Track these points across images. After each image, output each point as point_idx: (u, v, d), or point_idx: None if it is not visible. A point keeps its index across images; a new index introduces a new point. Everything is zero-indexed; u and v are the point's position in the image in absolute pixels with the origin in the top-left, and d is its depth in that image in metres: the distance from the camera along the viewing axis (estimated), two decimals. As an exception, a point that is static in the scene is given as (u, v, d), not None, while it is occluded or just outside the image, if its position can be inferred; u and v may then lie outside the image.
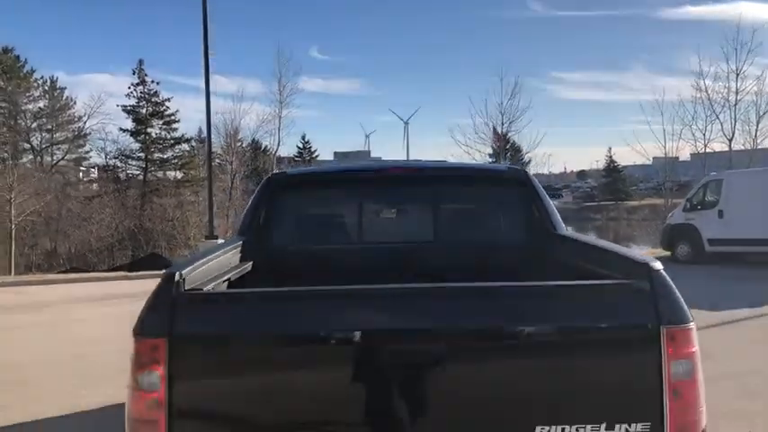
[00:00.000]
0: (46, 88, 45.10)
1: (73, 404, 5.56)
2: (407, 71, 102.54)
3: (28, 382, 6.27)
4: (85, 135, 44.34)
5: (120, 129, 41.29)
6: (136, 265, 19.42)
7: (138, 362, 2.13)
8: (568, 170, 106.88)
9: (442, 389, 2.15)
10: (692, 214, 16.61)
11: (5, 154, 41.53)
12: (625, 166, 67.23)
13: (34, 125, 43.97)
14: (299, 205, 3.92)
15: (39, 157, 42.44)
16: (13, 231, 19.85)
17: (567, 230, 3.62)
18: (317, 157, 70.28)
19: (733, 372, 6.37)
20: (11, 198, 19.52)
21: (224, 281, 2.84)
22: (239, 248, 3.29)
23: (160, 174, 41.41)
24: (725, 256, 15.68)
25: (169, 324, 2.12)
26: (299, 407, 2.15)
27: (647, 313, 2.18)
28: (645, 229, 38.14)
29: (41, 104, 44.40)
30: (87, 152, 45.53)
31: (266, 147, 52.38)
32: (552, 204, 3.73)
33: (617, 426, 2.12)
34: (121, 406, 5.21)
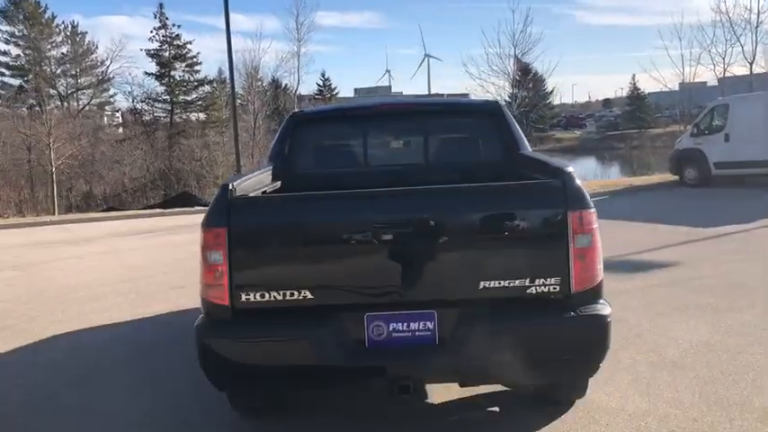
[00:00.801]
0: (68, 33, 45.83)
1: (135, 313, 6.70)
2: (425, 2, 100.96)
3: (98, 298, 7.40)
4: (109, 79, 45.31)
5: (145, 72, 42.23)
6: (169, 203, 20.58)
7: (206, 245, 3.10)
8: (594, 99, 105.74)
9: (421, 256, 3.10)
10: (699, 139, 17.14)
11: (33, 101, 42.65)
12: (649, 94, 66.66)
13: (59, 71, 44.93)
14: (316, 137, 4.82)
15: (65, 103, 43.55)
16: (54, 174, 21.09)
17: (528, 150, 4.48)
18: (336, 94, 70.52)
19: (698, 275, 7.30)
20: (50, 143, 20.74)
21: (261, 191, 3.78)
22: (270, 172, 4.24)
23: (185, 116, 42.49)
24: (731, 179, 16.35)
25: (227, 218, 3.08)
26: (323, 271, 3.13)
27: (559, 202, 3.07)
28: (666, 156, 38.51)
29: (64, 50, 45.26)
30: (112, 96, 46.59)
31: (286, 85, 52.93)
32: (519, 130, 4.57)
33: (537, 280, 3.05)
34: (171, 314, 6.40)
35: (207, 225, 3.13)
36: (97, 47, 46.00)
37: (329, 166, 4.74)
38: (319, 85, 69.12)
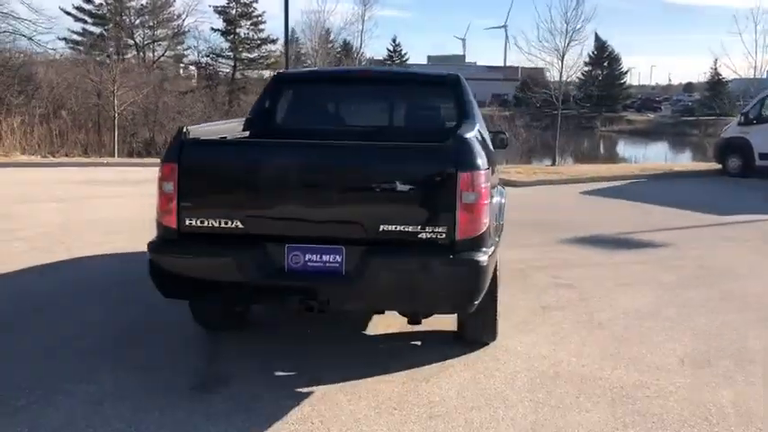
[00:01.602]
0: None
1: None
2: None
3: (111, 232, 8.24)
4: (184, 33, 46.78)
5: (212, 28, 43.53)
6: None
7: (162, 177, 3.77)
8: (677, 82, 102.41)
9: (334, 200, 3.66)
10: (746, 128, 16.87)
11: (112, 49, 44.48)
12: (732, 80, 64.14)
13: (137, 22, 46.63)
14: (294, 96, 5.40)
15: (141, 53, 45.28)
16: (116, 120, 22.43)
17: (473, 119, 4.94)
18: (406, 60, 70.78)
19: (680, 256, 7.63)
20: (114, 90, 22.08)
21: (221, 138, 4.40)
22: (242, 123, 4.89)
23: (247, 72, 43.71)
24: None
25: (178, 156, 3.73)
26: (252, 206, 3.75)
27: (450, 163, 3.59)
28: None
29: (144, 1, 46.89)
30: (186, 49, 48.11)
31: (356, 49, 53.40)
32: (471, 102, 5.04)
33: (428, 227, 3.59)
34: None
35: (163, 160, 3.79)
36: (175, 0, 47.44)
37: (299, 123, 5.32)
38: (389, 51, 69.54)
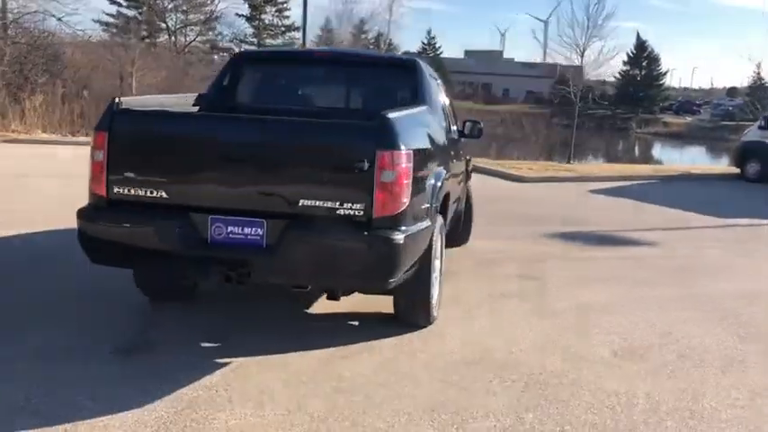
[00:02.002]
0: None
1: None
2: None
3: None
4: (216, 18, 47.27)
5: (237, 14, 43.98)
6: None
7: (93, 146, 3.85)
8: (721, 86, 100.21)
9: (257, 174, 3.70)
10: (766, 132, 16.56)
11: (144, 32, 45.09)
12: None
13: (170, 6, 47.23)
14: (251, 75, 5.44)
15: (173, 38, 45.87)
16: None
17: (425, 102, 4.94)
18: (440, 53, 70.59)
19: (663, 256, 7.55)
20: (132, 71, 22.52)
21: (176, 111, 4.45)
22: (194, 99, 4.96)
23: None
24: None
25: (108, 125, 3.81)
26: (177, 177, 3.81)
27: (370, 142, 3.60)
28: None
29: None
30: (218, 35, 48.59)
31: (391, 41, 53.38)
32: (425, 86, 5.00)
33: (346, 203, 3.61)
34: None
35: (95, 129, 3.88)
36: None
37: (253, 101, 5.35)
38: (424, 44, 69.43)
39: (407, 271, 4.02)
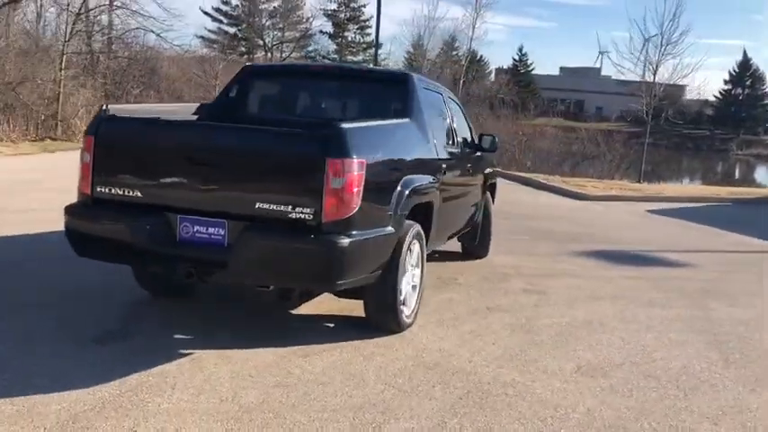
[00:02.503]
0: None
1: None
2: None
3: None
4: (311, 35, 48.81)
5: (320, 31, 45.45)
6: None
7: (83, 148, 4.23)
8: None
9: (220, 177, 3.95)
10: None
11: (243, 48, 47.04)
12: None
13: (268, 23, 49.13)
14: (255, 87, 5.69)
15: (269, 54, 47.59)
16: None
17: (412, 115, 5.06)
18: (532, 70, 69.85)
19: (688, 277, 7.34)
20: (215, 84, 23.66)
21: (153, 118, 4.77)
22: (195, 108, 5.29)
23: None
24: None
25: (95, 130, 4.18)
26: (151, 178, 4.11)
27: (320, 150, 3.78)
28: None
29: (276, 4, 49.31)
30: (312, 51, 50.06)
31: (482, 57, 53.56)
32: (414, 100, 5.09)
33: (298, 208, 3.80)
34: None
35: (85, 134, 4.26)
36: (304, 3, 49.57)
37: (253, 111, 5.64)
38: (515, 60, 68.92)
39: (368, 275, 4.18)
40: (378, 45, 18.77)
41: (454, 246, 7.44)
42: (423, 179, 4.82)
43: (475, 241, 7.30)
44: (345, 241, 3.81)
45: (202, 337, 4.38)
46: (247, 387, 3.67)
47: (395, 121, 4.84)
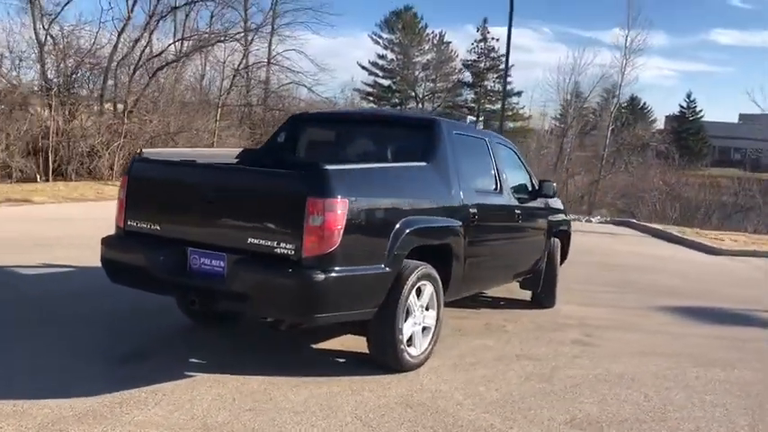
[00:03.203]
0: (434, 42, 51.37)
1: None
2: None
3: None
4: (463, 85, 49.69)
5: (459, 80, 46.02)
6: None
7: (120, 186, 4.79)
8: None
9: (221, 213, 4.32)
10: None
11: (396, 99, 48.69)
12: None
13: (421, 75, 50.67)
14: (301, 132, 6.06)
15: (421, 104, 48.97)
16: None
17: (432, 157, 5.16)
18: (701, 117, 66.08)
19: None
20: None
21: (171, 160, 5.12)
22: (237, 153, 5.75)
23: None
24: None
25: (129, 170, 4.73)
26: (168, 214, 4.56)
27: (302, 189, 4.01)
28: None
29: (429, 57, 50.83)
30: (463, 101, 50.82)
31: (644, 104, 51.79)
32: (443, 144, 5.23)
33: (282, 243, 4.04)
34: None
35: (122, 174, 4.83)
36: (457, 55, 50.72)
37: (294, 154, 5.99)
38: (682, 107, 65.66)
39: (358, 311, 4.34)
40: (505, 95, 18.73)
41: (523, 294, 7.36)
42: (433, 221, 4.90)
43: (538, 288, 7.16)
44: (321, 276, 3.99)
45: (213, 362, 4.70)
46: (222, 409, 3.92)
47: (402, 164, 5.01)
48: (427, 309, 4.95)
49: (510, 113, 44.88)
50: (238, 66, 26.92)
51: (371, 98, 51.23)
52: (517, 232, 6.39)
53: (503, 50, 45.63)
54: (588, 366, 5.28)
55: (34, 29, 19.70)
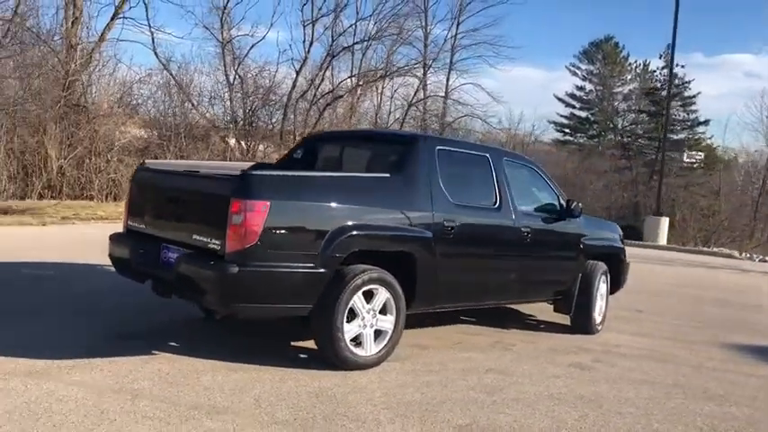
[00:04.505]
0: (638, 72, 49.08)
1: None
2: None
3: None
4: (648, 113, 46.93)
5: (640, 110, 43.22)
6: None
7: (128, 191, 5.65)
8: None
9: (179, 213, 5.01)
10: None
11: (594, 131, 47.13)
12: None
13: (624, 107, 48.65)
14: (308, 149, 6.54)
15: (620, 137, 47.05)
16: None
17: (403, 172, 5.41)
18: None
19: None
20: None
21: (157, 168, 5.78)
22: (251, 165, 6.35)
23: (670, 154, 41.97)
24: None
25: (133, 176, 5.57)
26: (149, 214, 5.30)
27: (228, 191, 4.47)
28: None
29: (632, 87, 48.63)
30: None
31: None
32: (421, 160, 5.48)
33: (213, 239, 4.55)
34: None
35: (129, 180, 5.70)
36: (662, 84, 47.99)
37: (298, 168, 6.45)
38: None
39: (287, 306, 4.78)
40: (666, 125, 17.56)
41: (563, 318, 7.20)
42: (384, 228, 5.11)
43: (569, 312, 6.93)
44: (235, 269, 4.44)
45: (194, 347, 5.23)
46: (153, 382, 4.43)
47: (349, 174, 5.40)
48: (384, 313, 5.15)
49: (695, 143, 41.82)
50: (412, 99, 28.08)
51: (567, 130, 50.21)
52: (523, 250, 6.29)
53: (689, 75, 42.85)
54: (553, 386, 5.11)
55: (225, 71, 22.32)
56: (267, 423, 3.94)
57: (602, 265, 7.13)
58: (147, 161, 5.84)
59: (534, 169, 6.86)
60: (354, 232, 4.90)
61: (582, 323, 6.99)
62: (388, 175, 5.39)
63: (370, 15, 25.07)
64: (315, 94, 23.23)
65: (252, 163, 6.63)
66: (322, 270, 4.76)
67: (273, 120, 23.15)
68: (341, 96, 24.04)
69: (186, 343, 5.45)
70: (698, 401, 5.08)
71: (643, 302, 9.50)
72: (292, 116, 23.31)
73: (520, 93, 66.39)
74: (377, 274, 5.05)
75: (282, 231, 4.61)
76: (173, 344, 5.41)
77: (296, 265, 4.69)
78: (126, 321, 6.02)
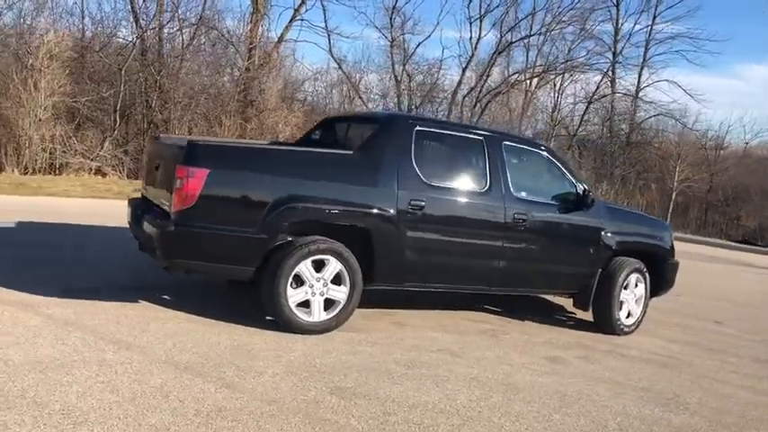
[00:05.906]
0: None
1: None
2: None
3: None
4: None
5: None
6: None
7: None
8: None
9: (158, 176, 5.60)
10: None
11: None
12: None
13: None
14: (317, 128, 6.93)
15: None
16: (673, 195, 22.71)
17: (363, 151, 5.56)
18: None
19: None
20: (676, 165, 22.50)
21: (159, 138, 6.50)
22: (267, 142, 6.80)
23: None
24: None
25: (145, 147, 6.32)
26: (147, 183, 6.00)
27: (179, 158, 4.97)
28: None
29: None
30: None
31: None
32: (386, 137, 5.61)
33: (166, 201, 5.05)
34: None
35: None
36: None
37: (306, 144, 6.76)
38: None
39: (226, 265, 5.20)
40: None
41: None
42: (334, 201, 5.27)
43: (587, 308, 6.54)
44: (171, 227, 4.95)
45: (180, 302, 5.74)
46: (106, 321, 5.02)
47: (305, 149, 5.65)
48: (338, 284, 5.35)
49: None
50: (590, 97, 26.93)
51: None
52: (516, 238, 6.04)
53: None
54: (500, 373, 4.96)
55: (392, 69, 23.17)
56: (160, 362, 4.34)
57: (634, 263, 6.59)
58: (161, 135, 6.59)
59: (547, 156, 6.53)
60: (296, 204, 5.13)
61: (603, 321, 6.56)
62: (350, 152, 5.58)
63: (546, 8, 24.47)
64: (480, 90, 23.26)
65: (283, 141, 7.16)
66: (263, 236, 5.08)
67: (439, 116, 23.59)
68: (501, 92, 23.81)
69: (176, 297, 5.99)
70: (646, 405, 4.64)
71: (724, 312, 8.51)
72: (459, 112, 23.56)
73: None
74: (326, 245, 5.25)
75: (222, 196, 5.02)
76: (165, 297, 5.97)
77: (234, 228, 5.05)
78: (138, 275, 6.67)
